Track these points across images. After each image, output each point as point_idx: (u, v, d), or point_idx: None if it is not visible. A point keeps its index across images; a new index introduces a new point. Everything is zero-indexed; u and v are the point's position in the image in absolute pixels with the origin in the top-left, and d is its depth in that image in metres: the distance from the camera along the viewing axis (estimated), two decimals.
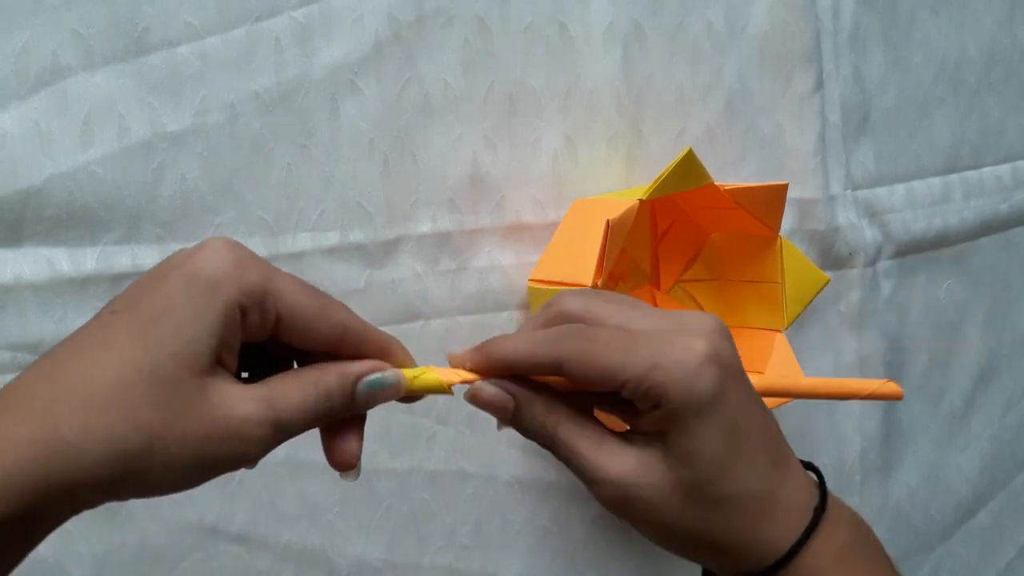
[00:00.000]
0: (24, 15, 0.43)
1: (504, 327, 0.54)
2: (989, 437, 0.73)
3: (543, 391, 0.33)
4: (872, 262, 0.64)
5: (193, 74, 0.46)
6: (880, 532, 0.66)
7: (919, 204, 0.66)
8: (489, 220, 0.53)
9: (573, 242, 0.51)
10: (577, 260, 0.48)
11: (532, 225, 0.54)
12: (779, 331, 0.55)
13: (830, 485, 0.67)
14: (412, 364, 0.33)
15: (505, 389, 0.33)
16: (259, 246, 0.48)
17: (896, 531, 0.67)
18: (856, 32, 0.63)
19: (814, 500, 0.33)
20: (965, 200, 0.69)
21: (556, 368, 0.32)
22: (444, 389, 0.33)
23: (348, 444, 0.33)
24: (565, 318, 0.33)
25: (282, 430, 0.30)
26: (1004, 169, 0.71)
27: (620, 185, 0.56)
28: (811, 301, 0.55)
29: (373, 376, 0.31)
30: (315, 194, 0.49)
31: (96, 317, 0.29)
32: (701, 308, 0.58)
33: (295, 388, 0.30)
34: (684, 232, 0.58)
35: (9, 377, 0.44)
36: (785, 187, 0.52)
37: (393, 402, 0.52)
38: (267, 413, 0.29)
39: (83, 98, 0.44)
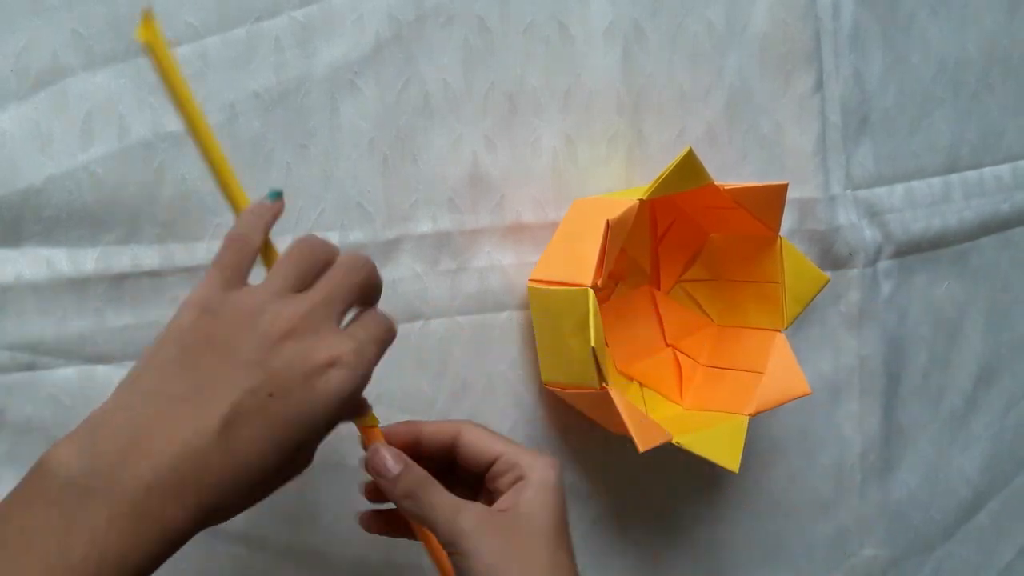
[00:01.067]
0: (24, 15, 0.43)
1: (504, 327, 0.54)
2: (989, 437, 0.73)
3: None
4: (872, 262, 0.64)
5: (193, 74, 0.46)
6: (880, 532, 0.66)
7: (919, 204, 0.66)
8: (489, 220, 0.53)
9: (573, 242, 0.51)
10: (577, 260, 0.48)
11: (532, 225, 0.54)
12: (779, 331, 0.55)
13: (830, 485, 0.68)
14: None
15: (398, 457, 0.40)
16: None
17: (896, 531, 0.67)
18: (856, 32, 0.63)
19: None
20: (965, 200, 0.69)
21: (456, 436, 0.42)
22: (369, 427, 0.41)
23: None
24: None
25: None
26: (1004, 169, 0.71)
27: (620, 185, 0.56)
28: (811, 301, 0.55)
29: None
30: (315, 194, 0.49)
31: (253, 394, 0.34)
32: (701, 308, 0.58)
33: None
34: (684, 232, 0.58)
35: (8, 377, 0.44)
36: (785, 187, 0.52)
37: (394, 402, 0.52)
38: None
39: (83, 98, 0.44)
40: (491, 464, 0.41)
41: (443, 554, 0.40)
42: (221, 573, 0.48)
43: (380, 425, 0.42)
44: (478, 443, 0.41)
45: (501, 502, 0.40)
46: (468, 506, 0.39)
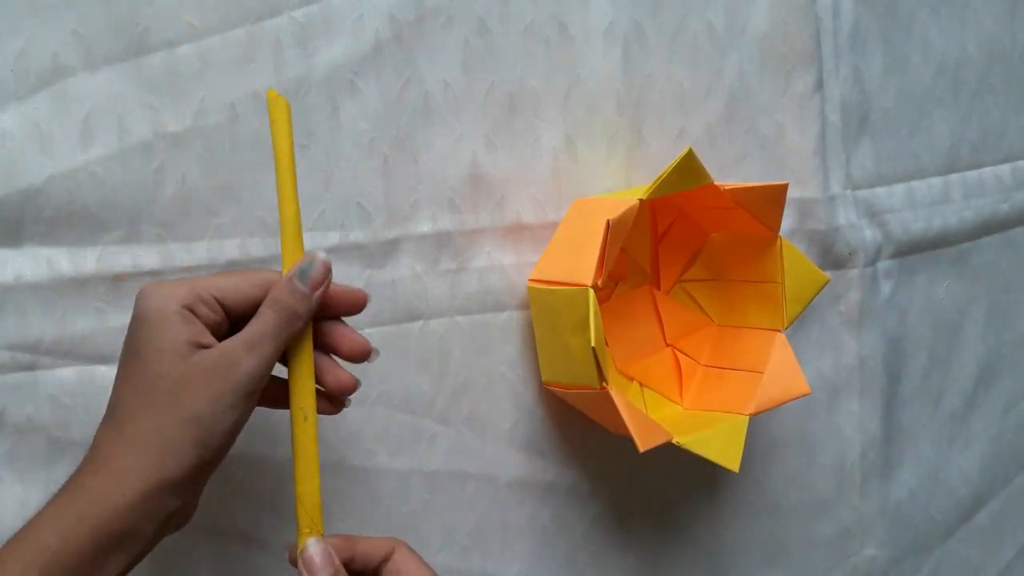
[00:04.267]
0: (24, 15, 0.43)
1: (504, 327, 0.54)
2: (989, 437, 0.73)
3: None
4: (872, 262, 0.64)
5: (193, 74, 0.46)
6: (880, 532, 0.66)
7: (919, 204, 0.66)
8: (489, 220, 0.53)
9: (573, 242, 0.51)
10: (577, 260, 0.48)
11: (532, 225, 0.54)
12: (779, 331, 0.55)
13: (831, 485, 0.68)
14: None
15: (328, 560, 0.40)
16: (259, 246, 0.48)
17: (896, 531, 0.68)
18: (856, 32, 0.63)
19: None
20: (965, 200, 0.69)
21: (388, 554, 0.41)
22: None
23: (339, 377, 0.41)
24: None
25: (272, 356, 0.39)
26: (1004, 169, 0.71)
27: (620, 185, 0.56)
28: (811, 301, 0.55)
29: (299, 267, 0.39)
30: (315, 194, 0.49)
31: None
32: (701, 308, 0.58)
33: (258, 321, 0.38)
34: (684, 232, 0.58)
35: (9, 377, 0.44)
36: (785, 187, 0.52)
37: (394, 402, 0.52)
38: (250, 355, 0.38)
39: (83, 98, 0.44)
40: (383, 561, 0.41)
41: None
42: (221, 573, 0.48)
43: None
44: (407, 569, 0.41)
45: None
46: None
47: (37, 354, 0.44)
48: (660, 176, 0.49)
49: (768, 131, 0.60)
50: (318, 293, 0.39)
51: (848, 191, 0.63)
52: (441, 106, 0.52)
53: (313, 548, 0.40)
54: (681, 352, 0.58)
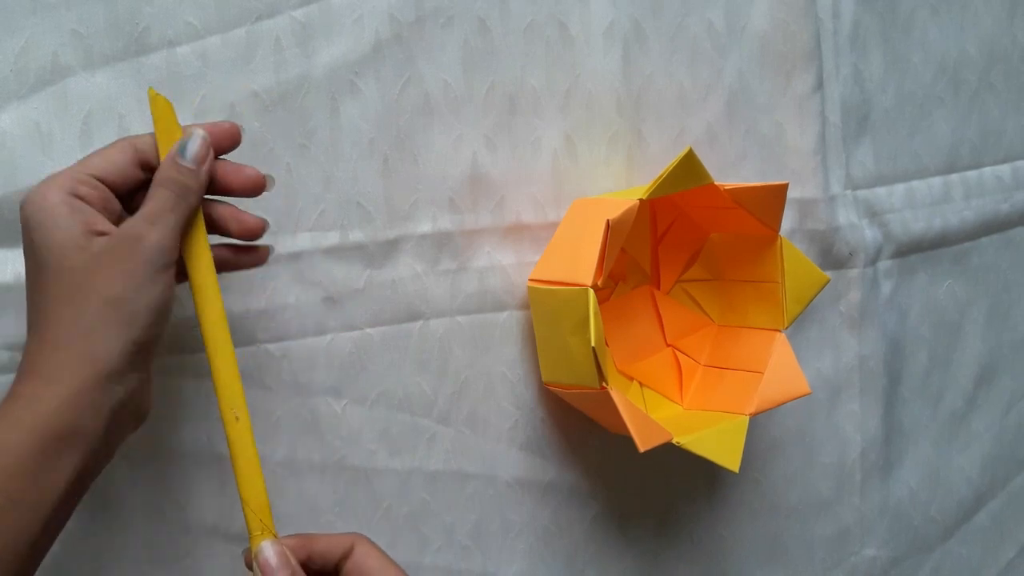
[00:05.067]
0: (24, 15, 0.43)
1: (504, 327, 0.54)
2: (989, 437, 0.73)
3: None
4: (872, 262, 0.64)
5: (193, 74, 0.46)
6: (880, 532, 0.66)
7: (919, 204, 0.66)
8: (489, 220, 0.53)
9: (573, 242, 0.51)
10: (577, 260, 0.48)
11: (532, 225, 0.54)
12: (779, 331, 0.55)
13: (831, 485, 0.68)
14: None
15: (285, 561, 0.39)
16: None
17: (896, 531, 0.68)
18: (856, 32, 0.63)
19: None
20: (965, 200, 0.69)
21: (348, 551, 0.41)
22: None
23: (242, 220, 0.41)
24: None
25: (175, 227, 0.38)
26: (1004, 169, 0.71)
27: (620, 185, 0.56)
28: (811, 301, 0.55)
29: (179, 144, 0.39)
30: (315, 194, 0.49)
31: None
32: (701, 308, 0.58)
33: (152, 198, 0.38)
34: (684, 232, 0.58)
35: (9, 377, 0.44)
36: (785, 187, 0.52)
37: (394, 402, 0.52)
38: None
39: (83, 98, 0.44)
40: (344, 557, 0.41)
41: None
42: (221, 573, 0.48)
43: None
44: (368, 565, 0.41)
45: None
46: None
47: None
48: (660, 176, 0.49)
49: (768, 131, 0.60)
50: (204, 167, 0.40)
51: (848, 191, 0.63)
52: (441, 106, 0.51)
53: (268, 551, 0.39)
54: (681, 352, 0.58)
